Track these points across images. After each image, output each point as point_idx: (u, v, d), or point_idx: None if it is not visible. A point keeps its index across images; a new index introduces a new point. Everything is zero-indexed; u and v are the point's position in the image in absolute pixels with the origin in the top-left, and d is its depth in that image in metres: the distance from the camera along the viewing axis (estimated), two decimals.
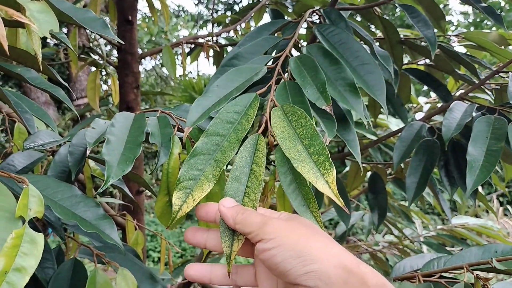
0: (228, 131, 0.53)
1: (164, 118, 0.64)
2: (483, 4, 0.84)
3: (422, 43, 1.04)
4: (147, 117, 0.63)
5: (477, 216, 4.06)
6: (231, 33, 1.67)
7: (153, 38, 6.15)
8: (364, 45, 0.76)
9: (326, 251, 0.41)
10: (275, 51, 0.82)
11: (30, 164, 0.74)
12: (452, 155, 0.94)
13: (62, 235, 0.65)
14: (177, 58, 1.50)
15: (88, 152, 0.56)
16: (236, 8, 9.07)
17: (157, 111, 0.68)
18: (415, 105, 1.85)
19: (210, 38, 1.50)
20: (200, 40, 1.50)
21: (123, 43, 1.21)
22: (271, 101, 0.58)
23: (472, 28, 7.98)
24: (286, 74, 0.66)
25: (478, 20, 8.20)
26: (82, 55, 1.63)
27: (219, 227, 0.48)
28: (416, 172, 0.93)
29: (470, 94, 1.05)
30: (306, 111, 0.55)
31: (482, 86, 0.99)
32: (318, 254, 0.40)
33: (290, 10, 1.40)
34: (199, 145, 0.51)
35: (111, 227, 0.55)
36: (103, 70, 1.61)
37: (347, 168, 1.56)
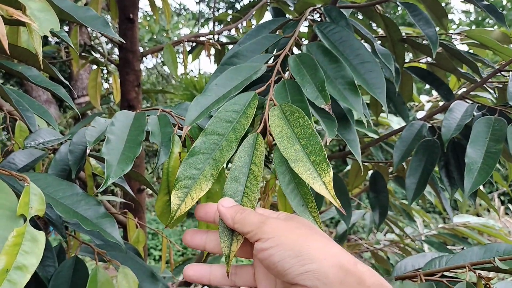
0: (227, 130, 0.53)
1: (164, 117, 0.63)
2: (485, 2, 0.84)
3: (424, 42, 1.04)
4: (148, 116, 0.63)
5: (478, 215, 4.06)
6: (233, 32, 1.67)
7: (155, 37, 6.16)
8: (365, 43, 0.76)
9: (325, 251, 0.41)
10: (275, 50, 0.81)
11: (31, 162, 0.74)
12: (453, 155, 0.93)
13: (63, 233, 0.65)
14: (178, 57, 1.50)
15: (88, 150, 0.56)
16: (238, 6, 9.07)
17: (158, 109, 0.67)
18: (416, 104, 1.84)
19: (211, 36, 1.50)
20: (202, 39, 1.50)
21: (124, 41, 1.21)
22: (270, 100, 0.57)
23: (474, 27, 7.94)
24: (286, 73, 0.66)
25: (480, 18, 8.18)
26: (83, 53, 1.63)
27: (218, 227, 0.48)
28: (416, 172, 0.93)
29: (472, 93, 1.05)
30: (305, 110, 0.55)
31: (484, 85, 0.99)
32: (316, 253, 0.41)
33: (291, 8, 1.40)
34: (197, 144, 0.51)
35: (112, 226, 0.55)
36: (105, 68, 1.61)
37: (349, 167, 1.56)
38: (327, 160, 0.47)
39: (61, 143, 0.74)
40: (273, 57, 0.71)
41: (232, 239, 0.47)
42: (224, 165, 0.52)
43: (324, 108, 0.57)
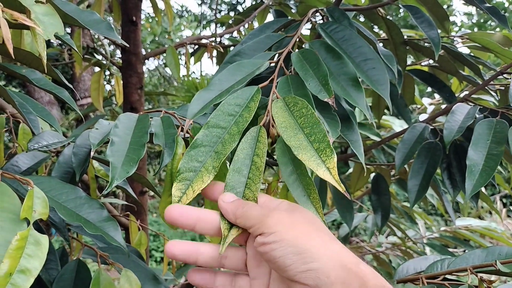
0: (229, 124, 0.52)
1: (167, 119, 0.64)
2: (487, 5, 0.84)
3: (426, 44, 1.04)
4: (151, 118, 0.63)
5: (480, 217, 4.05)
6: (235, 34, 1.67)
7: (157, 38, 6.16)
8: None
9: (327, 249, 0.41)
10: (278, 49, 0.81)
11: (34, 165, 0.75)
12: (455, 158, 0.93)
13: (66, 237, 0.65)
14: (180, 59, 1.50)
15: (92, 153, 0.57)
16: (240, 8, 9.08)
17: (161, 111, 0.68)
18: (419, 106, 1.84)
19: (213, 38, 1.50)
20: (204, 41, 1.50)
21: (128, 45, 1.21)
22: (273, 94, 0.57)
23: (476, 29, 7.96)
24: (290, 73, 0.66)
25: (482, 21, 8.18)
26: (86, 56, 1.63)
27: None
28: (418, 175, 0.93)
29: (474, 96, 1.05)
30: (308, 102, 0.54)
31: (486, 87, 0.99)
32: (320, 252, 0.40)
33: (293, 11, 1.40)
34: (199, 137, 0.51)
35: (115, 229, 0.55)
36: (107, 70, 1.61)
37: (351, 169, 1.56)
38: (331, 147, 0.47)
39: (64, 146, 0.74)
40: (276, 56, 0.71)
41: (232, 224, 0.47)
42: (227, 162, 0.52)
43: (328, 101, 0.56)
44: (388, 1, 0.90)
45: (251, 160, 0.50)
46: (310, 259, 0.40)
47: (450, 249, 1.71)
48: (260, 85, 0.58)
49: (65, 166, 0.70)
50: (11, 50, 0.35)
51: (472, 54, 1.10)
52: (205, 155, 0.50)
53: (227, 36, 1.65)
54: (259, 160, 0.50)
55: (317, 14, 0.87)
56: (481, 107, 0.91)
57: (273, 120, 0.53)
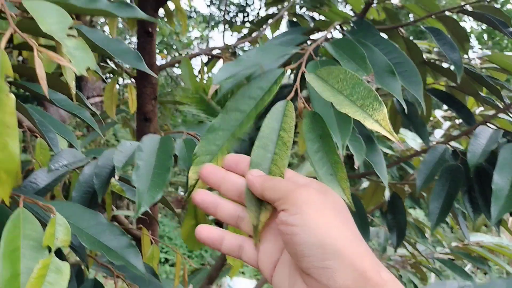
0: (250, 107, 0.50)
1: (190, 141, 0.63)
2: (511, 29, 0.84)
3: (443, 63, 1.03)
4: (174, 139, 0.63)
5: (486, 225, 4.03)
6: (247, 44, 1.67)
7: (165, 39, 6.17)
8: None
9: (351, 249, 0.38)
10: None
11: (53, 182, 0.74)
12: (476, 181, 0.92)
13: (84, 258, 0.64)
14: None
15: (117, 177, 0.56)
16: (248, 10, 9.07)
17: (182, 132, 0.67)
18: (431, 118, 1.83)
19: (227, 49, 1.50)
20: (217, 51, 1.50)
21: (155, 76, 1.19)
22: (302, 72, 0.53)
23: (485, 36, 7.94)
24: None
25: (491, 27, 8.14)
26: (101, 63, 1.62)
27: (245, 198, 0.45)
28: (439, 198, 0.92)
29: (491, 113, 1.04)
30: None
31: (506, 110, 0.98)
32: (343, 251, 0.37)
33: (311, 25, 1.39)
34: (216, 122, 0.49)
35: (136, 256, 0.55)
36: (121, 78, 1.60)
37: (364, 185, 1.55)
38: (379, 99, 0.43)
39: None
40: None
41: (260, 209, 0.44)
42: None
43: (366, 79, 0.53)
44: (410, 22, 0.89)
45: (277, 135, 0.47)
46: (331, 256, 0.37)
47: (458, 262, 1.69)
48: (287, 67, 0.54)
49: (85, 186, 0.69)
50: (46, 91, 0.34)
51: (489, 74, 1.09)
52: (223, 138, 0.48)
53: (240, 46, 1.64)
54: (286, 135, 0.47)
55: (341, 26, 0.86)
56: (504, 130, 0.91)
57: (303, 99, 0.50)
